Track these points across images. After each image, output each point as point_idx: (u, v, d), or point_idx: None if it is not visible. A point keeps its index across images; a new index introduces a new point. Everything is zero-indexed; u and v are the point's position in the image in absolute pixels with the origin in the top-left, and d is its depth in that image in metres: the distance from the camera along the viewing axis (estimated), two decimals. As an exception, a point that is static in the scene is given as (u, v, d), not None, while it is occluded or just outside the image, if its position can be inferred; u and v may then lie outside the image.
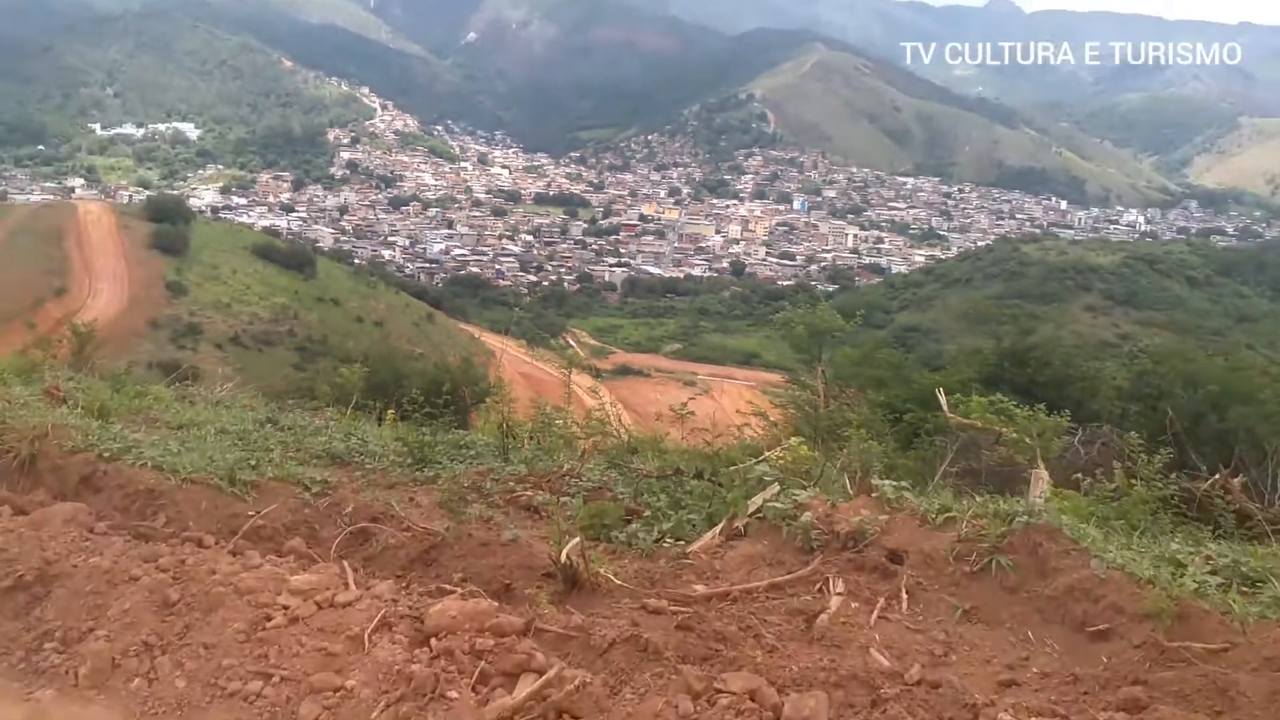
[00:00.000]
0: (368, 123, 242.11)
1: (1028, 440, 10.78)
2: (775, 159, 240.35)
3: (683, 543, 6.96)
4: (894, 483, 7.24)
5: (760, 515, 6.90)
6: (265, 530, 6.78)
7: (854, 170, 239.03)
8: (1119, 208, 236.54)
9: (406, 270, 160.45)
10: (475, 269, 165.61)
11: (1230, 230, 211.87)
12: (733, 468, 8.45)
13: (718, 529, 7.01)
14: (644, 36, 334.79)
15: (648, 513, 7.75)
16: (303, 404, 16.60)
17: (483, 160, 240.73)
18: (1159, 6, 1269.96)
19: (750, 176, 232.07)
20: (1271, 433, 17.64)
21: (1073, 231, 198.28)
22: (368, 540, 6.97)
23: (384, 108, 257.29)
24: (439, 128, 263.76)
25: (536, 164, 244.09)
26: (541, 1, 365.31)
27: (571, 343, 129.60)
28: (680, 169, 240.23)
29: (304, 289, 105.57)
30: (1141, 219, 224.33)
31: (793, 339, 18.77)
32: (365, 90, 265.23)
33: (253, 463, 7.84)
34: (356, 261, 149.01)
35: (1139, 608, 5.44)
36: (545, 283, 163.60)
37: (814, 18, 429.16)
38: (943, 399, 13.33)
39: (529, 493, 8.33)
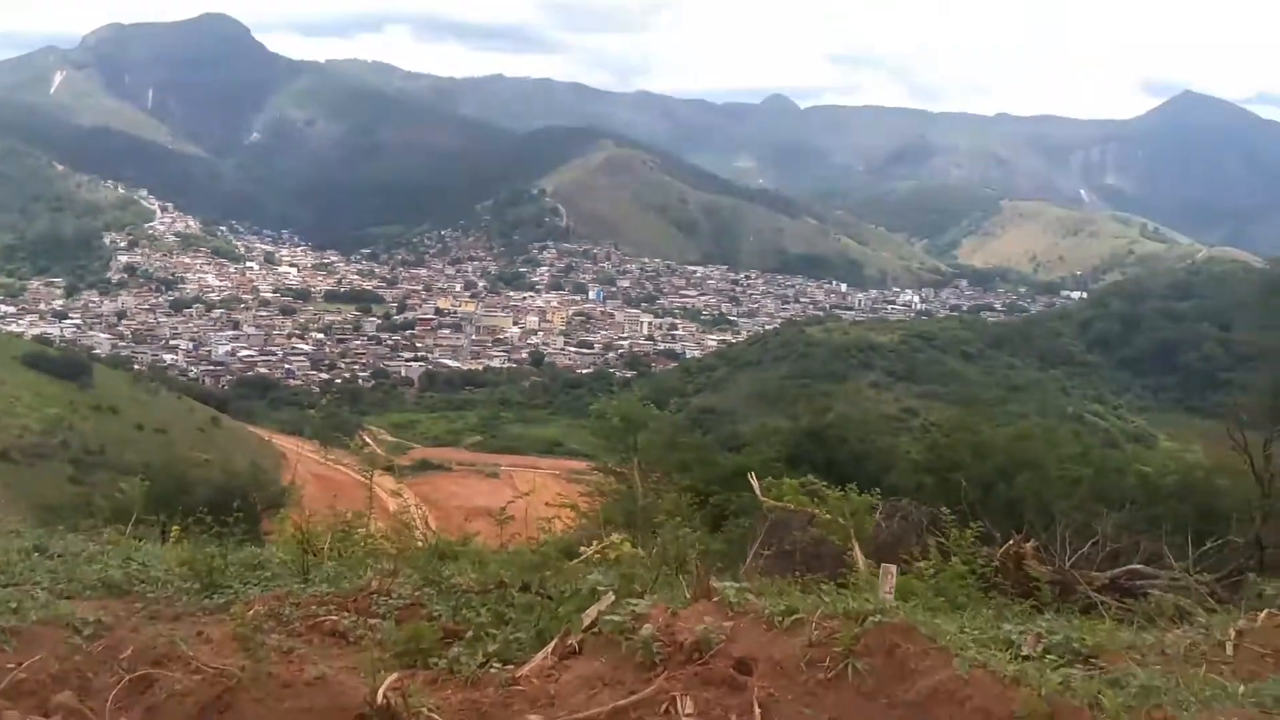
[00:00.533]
0: (147, 225, 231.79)
1: (840, 520, 10.71)
2: (569, 251, 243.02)
3: (511, 666, 6.31)
4: (735, 584, 6.82)
5: (596, 629, 6.35)
6: (27, 684, 5.75)
7: (646, 260, 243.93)
8: (895, 288, 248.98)
9: (190, 374, 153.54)
10: (264, 370, 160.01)
11: (998, 306, 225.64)
12: (562, 576, 7.87)
13: (549, 648, 6.42)
14: (433, 135, 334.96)
15: (469, 632, 7.06)
16: (78, 524, 15.13)
17: (269, 259, 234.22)
18: (924, 101, 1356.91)
19: (545, 269, 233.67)
20: (1056, 496, 18.38)
21: (854, 312, 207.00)
22: (150, 688, 5.94)
23: (164, 209, 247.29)
24: (222, 228, 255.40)
25: (326, 261, 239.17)
26: (326, 100, 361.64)
27: (369, 441, 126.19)
28: (475, 263, 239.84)
29: (80, 398, 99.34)
30: (917, 298, 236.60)
31: (606, 431, 18.40)
32: (143, 193, 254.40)
33: (13, 604, 6.73)
34: (136, 367, 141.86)
35: (1008, 710, 5.12)
36: (339, 381, 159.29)
37: (603, 116, 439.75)
38: (754, 482, 13.19)
39: (334, 617, 7.45)
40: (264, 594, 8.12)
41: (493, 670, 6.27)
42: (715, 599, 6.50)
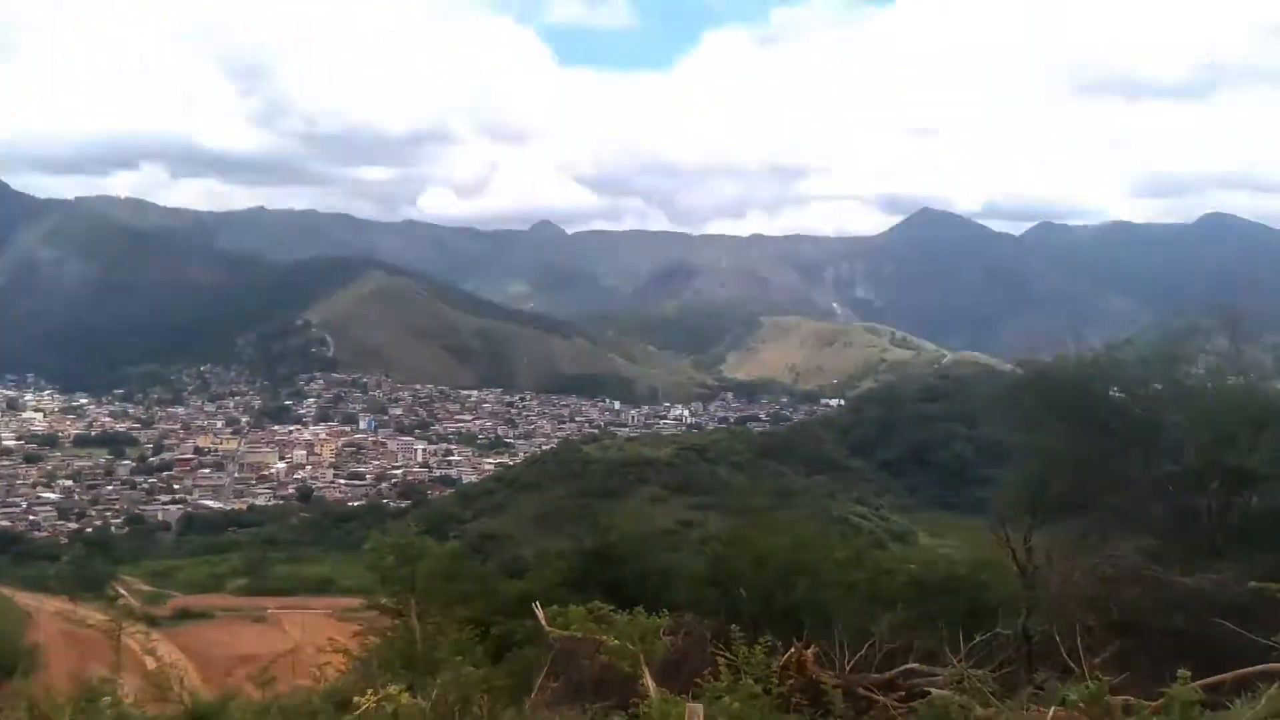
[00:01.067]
0: None
1: (630, 646, 10.14)
2: (338, 382, 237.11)
3: None
4: None
5: None
6: None
7: (419, 387, 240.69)
8: (666, 403, 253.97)
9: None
10: (5, 523, 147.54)
11: (763, 416, 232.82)
12: None
13: None
14: (192, 270, 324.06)
15: None
16: None
17: (12, 405, 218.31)
18: (684, 224, 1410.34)
19: (313, 400, 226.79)
20: (833, 601, 18.41)
21: (628, 429, 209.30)
22: None
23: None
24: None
25: (76, 404, 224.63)
26: (75, 238, 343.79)
27: (123, 592, 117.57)
28: (237, 398, 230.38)
29: None
30: (687, 412, 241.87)
31: (382, 570, 17.10)
32: None
33: None
34: None
35: None
36: (89, 529, 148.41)
37: (371, 246, 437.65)
38: (540, 612, 12.52)
39: None
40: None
41: None
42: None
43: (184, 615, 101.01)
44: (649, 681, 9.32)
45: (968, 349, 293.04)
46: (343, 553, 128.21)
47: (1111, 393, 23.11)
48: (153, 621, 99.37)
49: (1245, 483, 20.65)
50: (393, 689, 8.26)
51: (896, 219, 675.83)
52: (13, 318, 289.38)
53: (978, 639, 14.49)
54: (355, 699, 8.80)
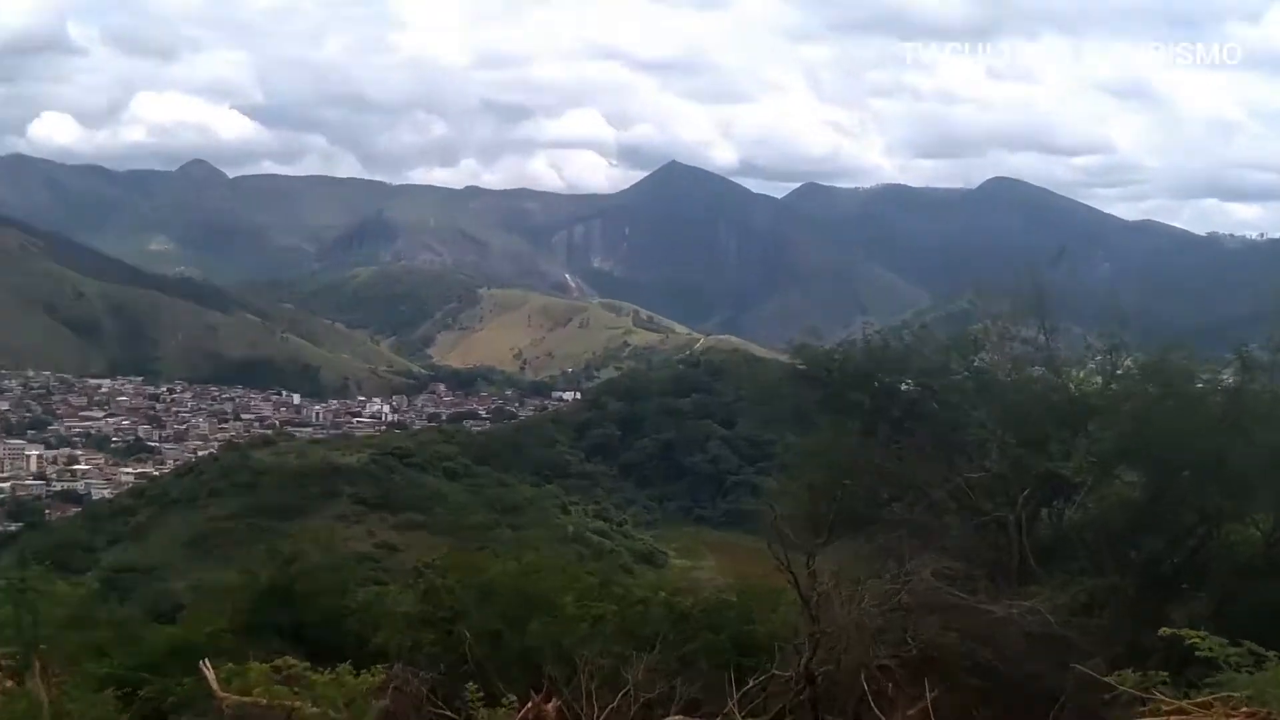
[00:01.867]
0: None
1: (333, 715, 9.85)
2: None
3: None
4: None
5: None
6: None
7: (31, 374, 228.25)
8: (361, 397, 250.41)
9: None
10: None
11: (483, 412, 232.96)
12: None
13: None
14: None
15: None
16: None
17: None
18: (382, 172, 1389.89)
19: None
20: (576, 641, 18.54)
21: (311, 429, 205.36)
22: None
23: None
24: None
25: None
26: None
27: None
28: None
29: None
30: (387, 408, 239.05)
31: None
32: None
33: None
34: None
35: None
36: None
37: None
38: (208, 671, 11.94)
39: None
40: None
41: None
42: None
43: None
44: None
45: (724, 331, 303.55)
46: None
47: (903, 386, 24.09)
48: None
49: (1058, 491, 22.01)
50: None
51: (639, 174, 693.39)
52: None
53: (751, 683, 14.90)
54: None
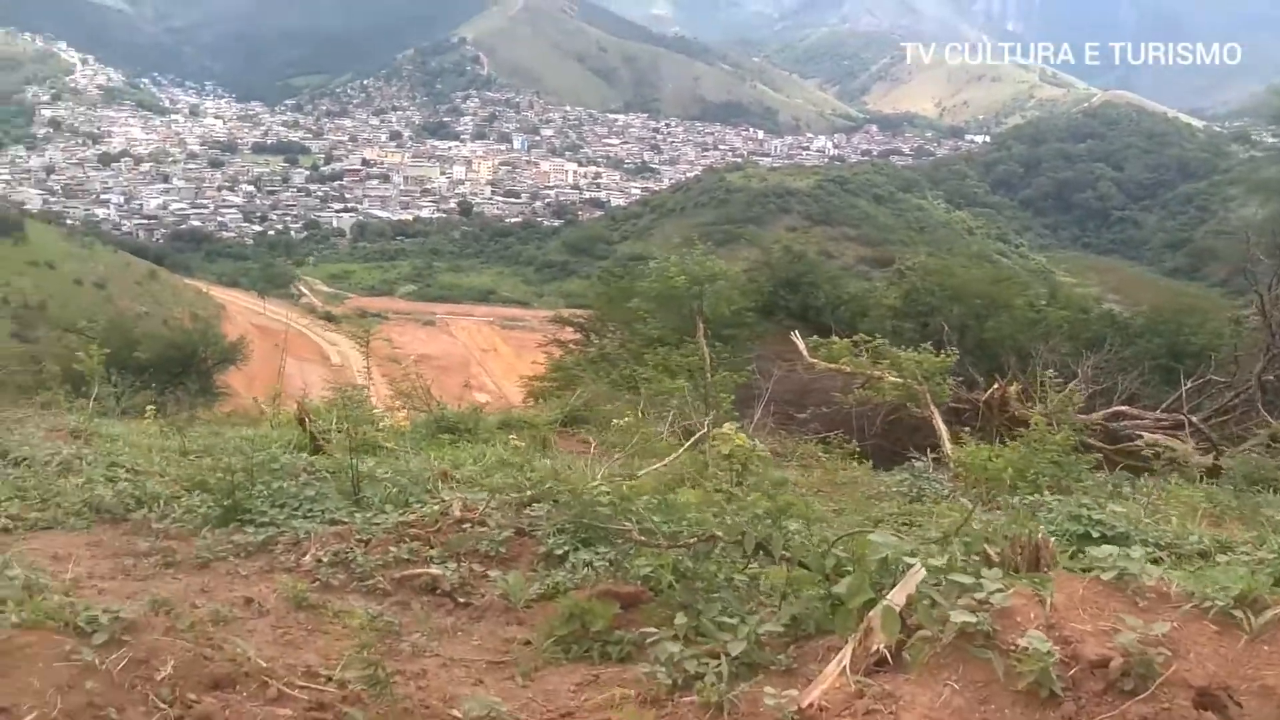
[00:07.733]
0: (68, 78, 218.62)
1: (915, 385, 9.87)
2: (492, 100, 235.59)
3: (793, 693, 3.45)
4: (1114, 548, 4.08)
5: (919, 628, 3.55)
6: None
7: (568, 109, 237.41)
8: (809, 135, 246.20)
9: (124, 228, 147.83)
10: (197, 223, 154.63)
11: (907, 150, 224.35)
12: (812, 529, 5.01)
13: (843, 657, 3.57)
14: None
15: (656, 605, 4.62)
16: (31, 394, 14.05)
17: (194, 112, 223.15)
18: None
19: (469, 118, 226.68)
20: (1029, 339, 18.07)
21: (770, 159, 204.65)
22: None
23: (84, 62, 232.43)
24: (145, 80, 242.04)
25: (251, 113, 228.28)
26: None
27: (305, 291, 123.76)
28: (399, 113, 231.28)
29: (13, 254, 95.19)
30: (830, 144, 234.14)
31: (669, 292, 16.27)
32: (62, 45, 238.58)
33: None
34: (69, 222, 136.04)
35: None
36: (272, 232, 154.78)
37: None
38: (800, 343, 12.39)
39: (433, 570, 5.21)
40: (317, 528, 5.91)
41: (744, 689, 3.63)
42: (1090, 574, 3.79)
43: (361, 315, 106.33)
44: (940, 426, 9.09)
45: (1119, 88, 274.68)
46: (503, 265, 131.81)
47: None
48: (333, 320, 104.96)
49: None
50: (728, 427, 6.44)
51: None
52: (186, 26, 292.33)
53: (1188, 385, 14.13)
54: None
